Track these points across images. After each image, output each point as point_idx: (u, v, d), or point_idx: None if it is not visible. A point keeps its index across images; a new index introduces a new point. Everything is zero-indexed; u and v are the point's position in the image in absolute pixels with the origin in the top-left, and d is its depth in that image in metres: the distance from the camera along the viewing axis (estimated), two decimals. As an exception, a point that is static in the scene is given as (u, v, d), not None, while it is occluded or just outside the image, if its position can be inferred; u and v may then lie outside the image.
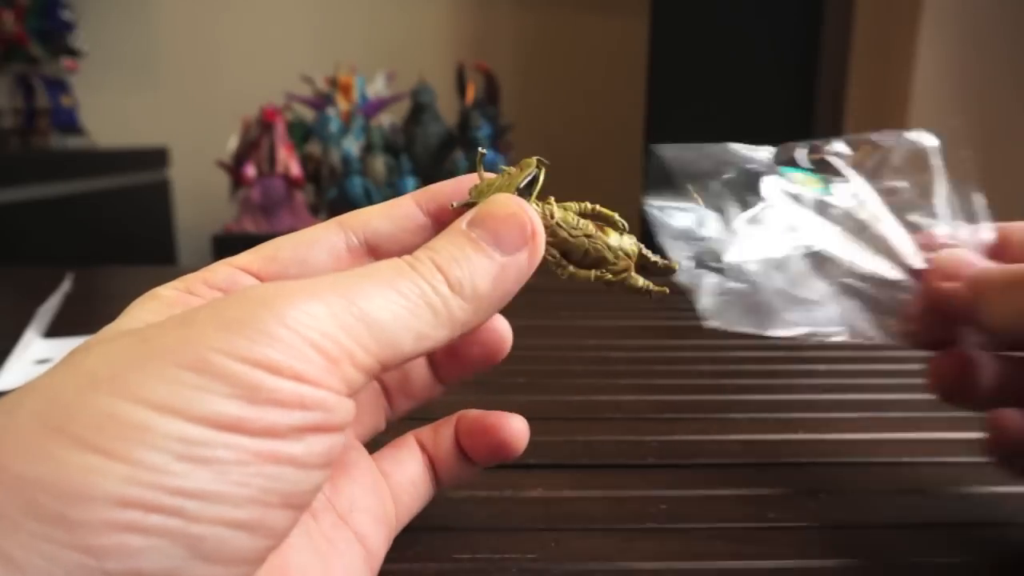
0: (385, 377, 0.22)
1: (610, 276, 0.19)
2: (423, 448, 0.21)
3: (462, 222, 0.17)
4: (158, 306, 0.17)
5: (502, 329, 0.21)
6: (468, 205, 0.18)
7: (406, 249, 0.18)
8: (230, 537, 0.13)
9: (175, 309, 0.16)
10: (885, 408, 0.33)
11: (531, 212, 0.17)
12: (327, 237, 0.19)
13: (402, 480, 0.20)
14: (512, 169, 0.19)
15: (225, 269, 0.18)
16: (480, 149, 0.20)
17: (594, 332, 0.44)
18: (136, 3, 1.84)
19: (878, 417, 0.32)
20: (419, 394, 0.22)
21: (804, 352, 0.40)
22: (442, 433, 0.21)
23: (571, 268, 0.19)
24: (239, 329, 0.14)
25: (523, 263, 0.17)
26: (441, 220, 0.19)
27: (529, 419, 0.27)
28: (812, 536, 0.22)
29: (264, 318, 0.14)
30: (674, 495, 0.24)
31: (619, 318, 0.47)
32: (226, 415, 0.13)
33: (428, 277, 0.16)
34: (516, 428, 0.21)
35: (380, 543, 0.19)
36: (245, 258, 0.18)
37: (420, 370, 0.22)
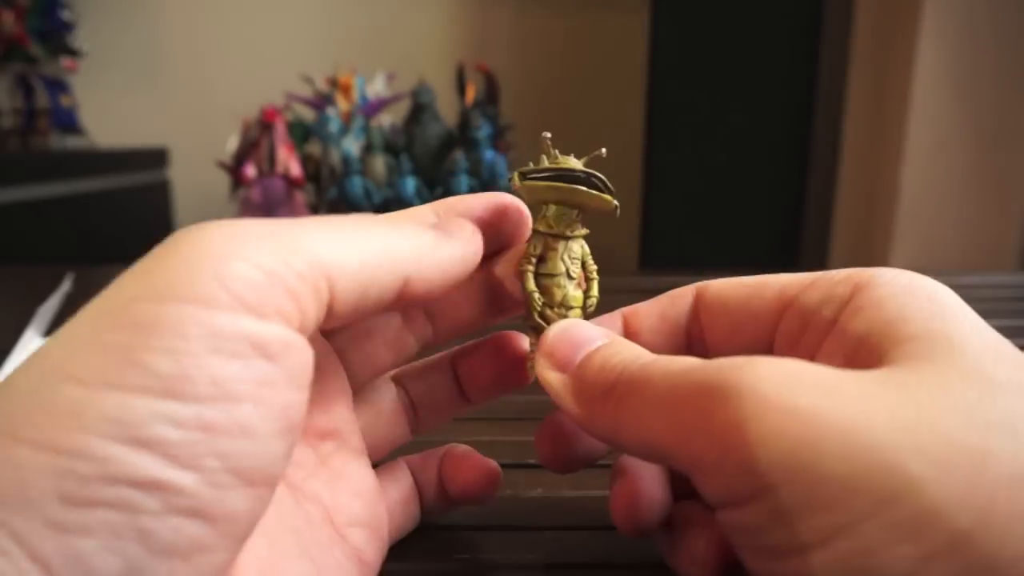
0: (409, 389, 0.22)
1: (537, 317, 0.19)
2: (412, 474, 0.21)
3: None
4: None
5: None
6: (531, 173, 0.18)
7: (460, 310, 0.20)
8: (185, 527, 0.11)
9: None
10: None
11: (469, 223, 0.18)
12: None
13: (396, 498, 0.20)
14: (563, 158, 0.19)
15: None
16: (545, 134, 0.19)
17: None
18: (136, 3, 1.84)
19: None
20: (445, 407, 0.22)
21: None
22: (429, 463, 0.21)
23: (531, 270, 0.19)
24: (159, 270, 0.12)
25: (470, 245, 0.17)
26: (500, 280, 0.20)
27: (529, 419, 0.27)
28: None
29: (187, 249, 0.12)
30: (674, 495, 0.24)
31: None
32: (162, 376, 0.11)
33: (372, 218, 0.16)
34: (488, 472, 0.21)
35: (375, 558, 0.19)
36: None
37: (444, 382, 0.21)
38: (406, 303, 0.16)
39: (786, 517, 0.13)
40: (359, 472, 0.19)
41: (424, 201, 1.20)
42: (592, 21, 1.88)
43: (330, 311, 0.14)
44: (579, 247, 0.19)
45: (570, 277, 0.19)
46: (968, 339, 0.14)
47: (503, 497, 0.24)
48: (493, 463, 0.21)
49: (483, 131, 1.34)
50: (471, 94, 1.42)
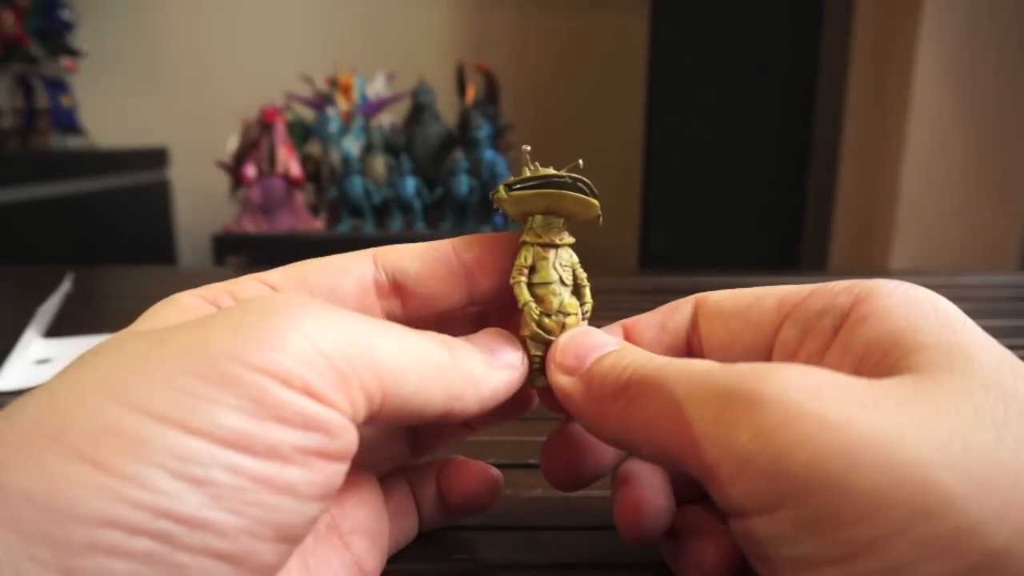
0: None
1: (533, 331, 0.19)
2: (409, 486, 0.21)
3: (460, 339, 0.18)
4: (178, 312, 0.16)
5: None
6: (520, 184, 0.18)
7: (431, 293, 0.19)
8: (214, 569, 0.12)
9: (195, 317, 0.16)
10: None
11: (518, 346, 0.19)
12: (358, 267, 0.19)
13: (393, 509, 0.20)
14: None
15: (253, 284, 0.18)
16: (525, 147, 0.19)
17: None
18: (136, 3, 1.84)
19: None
20: (444, 432, 0.22)
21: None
22: (426, 475, 0.21)
23: (524, 280, 0.19)
24: (252, 334, 0.13)
25: (512, 378, 0.18)
26: (476, 270, 0.19)
27: (529, 419, 0.27)
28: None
29: (280, 323, 0.13)
30: (674, 495, 0.24)
31: (619, 318, 0.47)
32: (228, 428, 0.12)
33: (435, 342, 0.16)
34: (491, 480, 0.21)
35: (375, 567, 0.19)
36: (274, 277, 0.18)
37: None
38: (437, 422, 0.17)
39: (811, 529, 0.12)
40: (365, 483, 0.19)
41: (424, 201, 1.19)
42: (592, 21, 1.88)
43: (375, 415, 0.15)
44: (568, 255, 0.19)
45: (564, 284, 0.19)
46: (981, 351, 0.14)
47: (503, 497, 0.24)
48: (494, 470, 0.21)
49: (483, 131, 1.34)
50: (471, 94, 1.42)
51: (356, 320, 0.15)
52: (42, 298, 0.44)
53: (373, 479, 0.19)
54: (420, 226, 1.34)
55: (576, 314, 0.19)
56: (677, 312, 0.20)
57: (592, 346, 0.18)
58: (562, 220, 0.19)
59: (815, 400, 0.13)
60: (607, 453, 0.20)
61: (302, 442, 0.13)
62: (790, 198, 1.57)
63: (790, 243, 1.59)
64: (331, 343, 0.14)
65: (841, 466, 0.12)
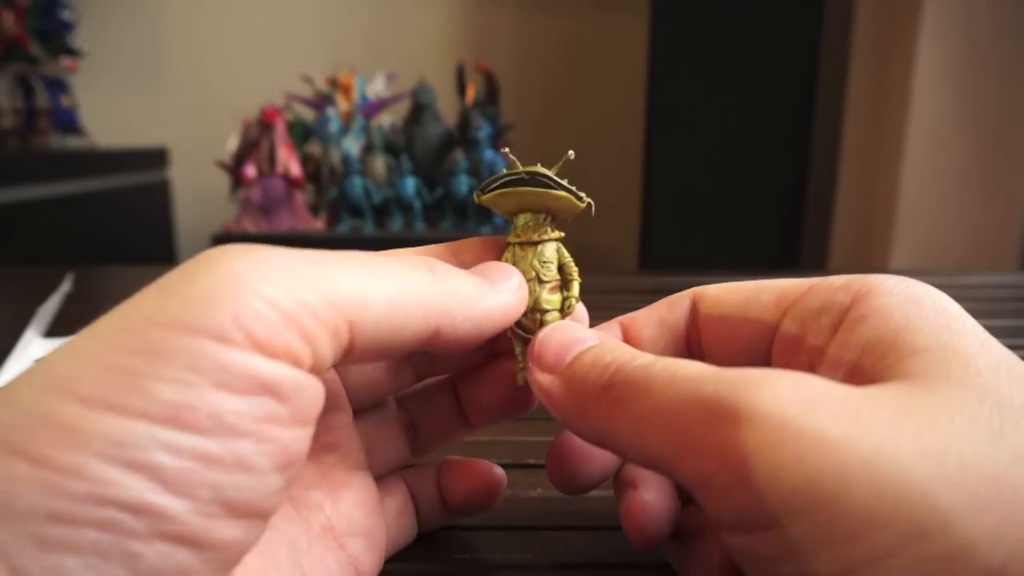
0: (410, 410, 0.21)
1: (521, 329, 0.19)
2: (408, 487, 0.21)
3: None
4: None
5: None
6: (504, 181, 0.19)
7: None
8: (173, 553, 0.11)
9: None
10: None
11: (517, 274, 0.18)
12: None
13: (391, 510, 0.20)
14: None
15: None
16: (504, 149, 0.20)
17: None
18: (136, 3, 1.84)
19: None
20: (446, 430, 0.21)
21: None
22: (425, 475, 0.21)
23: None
24: (178, 293, 0.12)
25: (510, 302, 0.17)
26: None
27: (529, 419, 0.26)
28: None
29: (208, 275, 0.12)
30: (674, 495, 0.24)
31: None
32: (165, 404, 0.11)
33: (414, 262, 0.15)
34: (494, 478, 0.21)
35: (372, 569, 0.18)
36: None
37: (445, 404, 0.21)
38: (436, 350, 0.16)
39: (802, 549, 0.12)
40: (361, 483, 0.19)
41: (424, 201, 1.19)
42: (592, 21, 1.88)
43: (349, 352, 0.14)
44: (552, 251, 0.19)
45: (541, 281, 0.19)
46: (979, 355, 0.14)
47: (503, 497, 0.24)
48: (497, 468, 0.21)
49: (483, 131, 1.34)
50: (471, 94, 1.42)
51: (299, 253, 0.13)
52: (42, 298, 0.44)
53: (370, 479, 0.19)
54: (420, 226, 1.34)
55: (555, 310, 0.19)
56: (675, 307, 0.20)
57: (571, 341, 0.17)
58: (545, 217, 0.19)
59: (809, 415, 0.12)
60: (612, 455, 0.20)
61: (250, 409, 0.12)
62: (790, 198, 1.57)
63: (790, 243, 1.59)
64: (271, 283, 0.12)
65: (836, 485, 0.12)
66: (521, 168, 0.19)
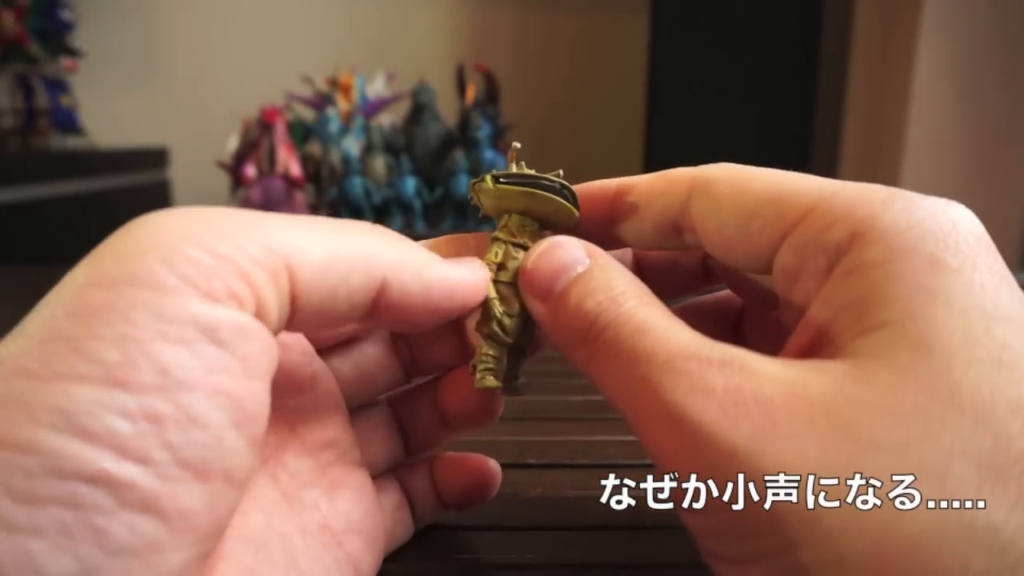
0: (399, 411, 0.21)
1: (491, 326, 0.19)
2: (402, 484, 0.21)
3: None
4: None
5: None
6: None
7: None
8: (140, 524, 0.11)
9: None
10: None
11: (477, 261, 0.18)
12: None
13: (387, 507, 0.20)
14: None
15: None
16: (515, 144, 0.19)
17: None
18: (136, 3, 1.84)
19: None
20: (431, 433, 0.21)
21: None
22: (418, 471, 0.21)
23: (492, 276, 0.18)
24: (110, 255, 0.12)
25: (462, 275, 0.17)
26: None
27: (529, 419, 0.26)
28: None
29: (139, 234, 0.12)
30: (674, 495, 0.24)
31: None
32: (108, 363, 0.11)
33: (358, 225, 0.15)
34: (489, 471, 0.21)
35: (371, 567, 0.18)
36: None
37: (428, 406, 0.21)
38: (386, 315, 0.15)
39: (738, 538, 0.13)
40: (358, 481, 0.19)
41: (424, 201, 1.19)
42: (592, 21, 1.88)
43: (295, 304, 0.13)
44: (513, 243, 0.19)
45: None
46: (945, 330, 0.13)
47: (503, 497, 0.24)
48: (491, 462, 0.21)
49: (483, 131, 1.34)
50: (471, 94, 1.42)
51: (237, 211, 0.13)
52: (42, 298, 0.44)
53: (367, 477, 0.19)
54: (420, 226, 1.34)
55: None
56: (670, 192, 0.19)
57: (560, 268, 0.17)
58: (537, 224, 0.19)
59: (730, 423, 0.13)
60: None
61: (195, 359, 0.11)
62: (790, 198, 1.57)
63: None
64: (205, 230, 0.12)
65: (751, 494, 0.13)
66: (527, 171, 0.19)
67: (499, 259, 0.18)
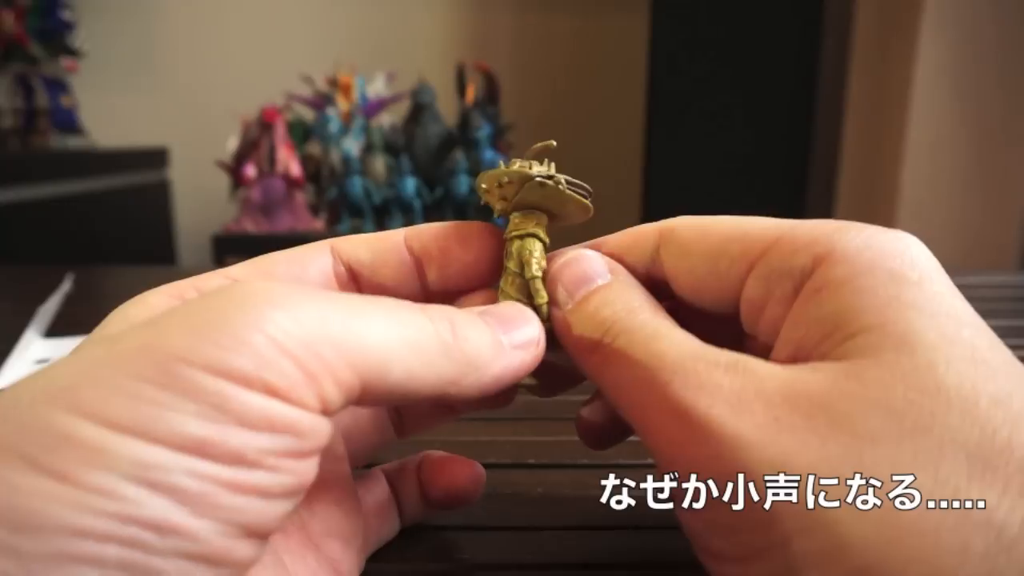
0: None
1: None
2: (389, 482, 0.21)
3: (475, 309, 0.17)
4: (144, 312, 0.16)
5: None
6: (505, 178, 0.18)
7: (384, 283, 0.19)
8: (191, 570, 0.12)
9: None
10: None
11: (538, 322, 0.17)
12: (319, 258, 0.19)
13: (371, 507, 0.20)
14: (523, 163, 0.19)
15: (218, 279, 0.17)
16: (551, 143, 0.19)
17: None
18: (136, 3, 1.84)
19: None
20: (427, 413, 0.21)
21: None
22: (406, 469, 0.21)
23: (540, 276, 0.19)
24: (208, 333, 0.12)
25: (525, 360, 0.17)
26: (424, 260, 0.19)
27: (529, 419, 0.26)
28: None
29: (238, 321, 0.12)
30: (674, 495, 0.24)
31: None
32: (188, 436, 0.12)
33: (437, 320, 0.15)
34: (473, 474, 0.21)
35: (352, 568, 0.18)
36: (239, 270, 0.18)
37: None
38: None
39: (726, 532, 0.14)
40: (336, 482, 0.18)
41: (424, 201, 1.19)
42: (592, 20, 1.88)
43: (355, 403, 0.14)
44: (540, 250, 0.19)
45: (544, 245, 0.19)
46: (923, 329, 0.14)
47: (503, 497, 0.24)
48: (475, 464, 0.21)
49: (483, 131, 1.34)
50: (471, 94, 1.42)
51: (329, 303, 0.14)
52: (42, 298, 0.44)
53: (347, 478, 0.19)
54: (420, 226, 1.35)
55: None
56: (639, 246, 0.19)
57: (583, 277, 0.18)
58: (544, 215, 0.19)
59: (735, 416, 0.14)
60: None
61: (268, 445, 0.12)
62: (791, 198, 1.57)
63: (790, 243, 1.59)
64: (295, 338, 0.13)
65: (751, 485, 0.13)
66: (535, 168, 0.19)
67: (513, 263, 0.19)
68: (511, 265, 0.19)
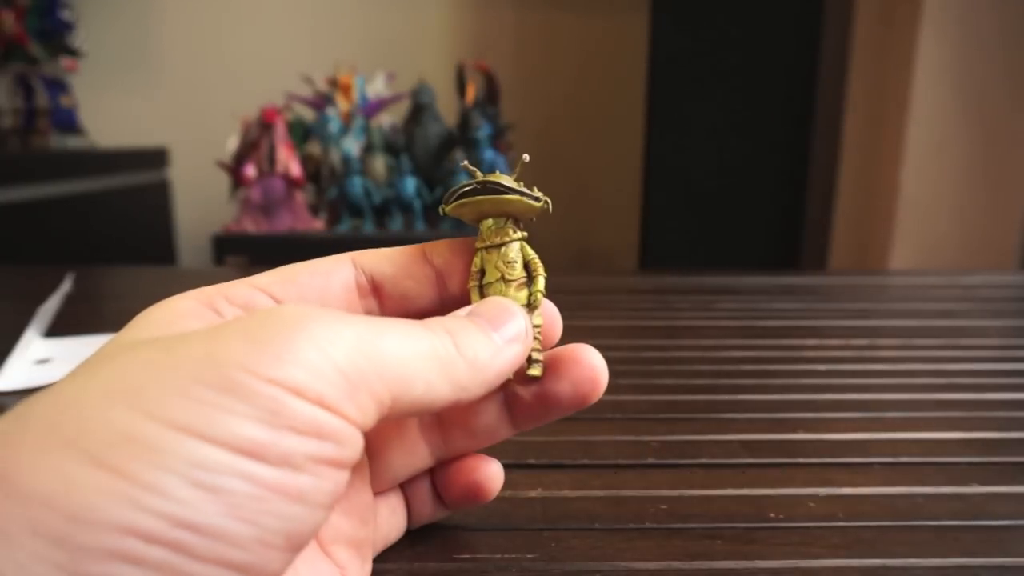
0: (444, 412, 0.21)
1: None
2: (400, 485, 0.21)
3: (462, 312, 0.18)
4: (172, 317, 0.16)
5: (597, 365, 0.20)
6: (463, 194, 0.19)
7: (406, 294, 0.20)
8: None
9: (194, 322, 0.16)
10: (885, 408, 0.33)
11: (522, 313, 0.18)
12: (341, 269, 0.19)
13: (383, 510, 0.20)
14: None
15: (245, 288, 0.18)
16: (464, 162, 0.20)
17: (595, 332, 0.44)
18: (136, 3, 1.84)
19: (878, 417, 0.32)
20: (484, 432, 0.21)
21: (803, 352, 0.40)
22: (418, 474, 0.21)
23: (476, 284, 0.20)
24: (265, 347, 0.13)
25: (518, 352, 0.18)
26: (445, 272, 0.20)
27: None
28: (810, 536, 0.22)
29: (292, 337, 0.14)
30: (674, 495, 0.24)
31: (618, 318, 0.47)
32: (244, 438, 0.12)
33: (439, 335, 0.16)
34: (492, 472, 0.21)
35: (359, 573, 0.18)
36: (264, 279, 0.19)
37: (491, 407, 0.21)
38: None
39: None
40: (354, 492, 0.19)
41: (424, 201, 1.19)
42: (592, 20, 1.88)
43: (383, 418, 0.15)
44: (516, 251, 0.20)
45: (506, 280, 0.20)
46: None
47: (503, 497, 0.24)
48: (493, 461, 0.21)
49: (483, 131, 1.34)
50: (471, 94, 1.42)
51: (365, 326, 0.15)
52: (42, 298, 0.44)
53: (366, 488, 0.19)
54: (420, 226, 1.34)
55: (523, 305, 0.20)
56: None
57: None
58: (506, 220, 0.20)
59: None
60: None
61: (314, 451, 0.13)
62: (791, 198, 1.57)
63: (790, 243, 1.59)
64: (342, 354, 0.14)
65: None
66: (479, 177, 0.19)
67: (478, 267, 0.20)
68: (507, 270, 0.20)
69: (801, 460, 0.27)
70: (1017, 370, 0.38)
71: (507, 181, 0.19)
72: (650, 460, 0.27)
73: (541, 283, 0.20)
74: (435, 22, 1.88)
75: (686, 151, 1.54)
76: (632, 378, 0.36)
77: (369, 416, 0.14)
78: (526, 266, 0.20)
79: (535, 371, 0.20)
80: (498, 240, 0.20)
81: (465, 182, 0.19)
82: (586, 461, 0.27)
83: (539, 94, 1.89)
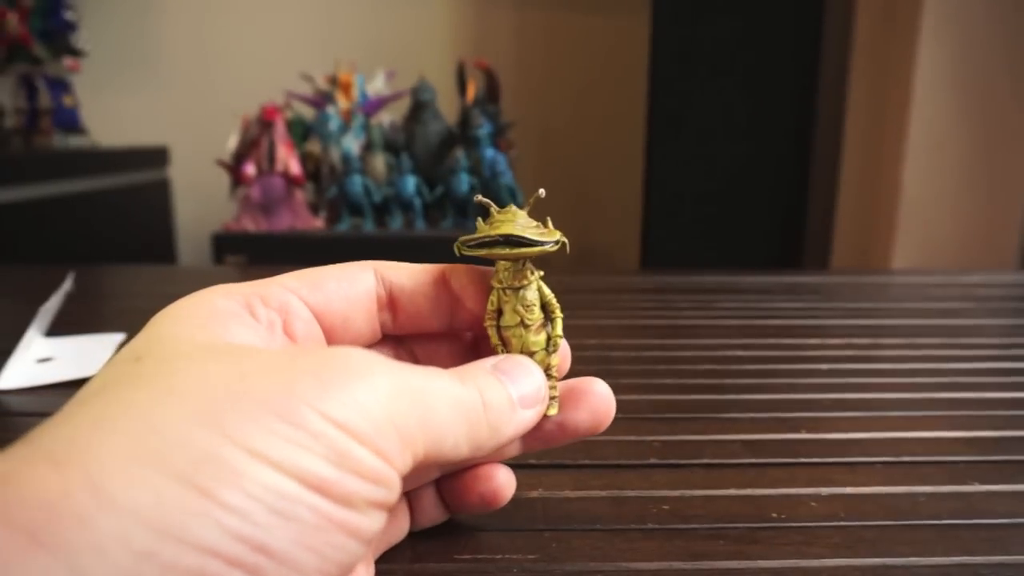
0: None
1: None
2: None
3: (487, 363, 0.19)
4: (210, 315, 0.17)
5: (608, 394, 0.21)
6: (480, 241, 0.19)
7: (419, 312, 0.20)
8: None
9: (236, 325, 0.17)
10: (885, 408, 0.33)
11: (541, 375, 0.19)
12: (365, 279, 0.20)
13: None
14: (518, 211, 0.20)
15: (279, 290, 0.19)
16: (478, 197, 0.20)
17: (594, 331, 0.44)
18: (138, 3, 1.84)
19: (878, 416, 0.32)
20: (495, 453, 0.21)
21: (805, 352, 0.40)
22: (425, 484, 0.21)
23: (493, 324, 0.20)
24: (335, 392, 0.14)
25: (531, 419, 0.19)
26: (462, 296, 0.20)
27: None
28: (812, 536, 0.22)
29: (359, 387, 0.15)
30: (675, 495, 0.24)
31: (620, 317, 0.47)
32: (315, 474, 0.13)
33: (472, 394, 0.17)
34: (507, 479, 0.21)
35: (366, 575, 0.19)
36: (294, 283, 0.19)
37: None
38: None
39: None
40: None
41: (424, 200, 1.19)
42: (593, 19, 1.88)
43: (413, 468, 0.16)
44: (533, 293, 0.20)
45: (525, 326, 0.20)
46: None
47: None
48: (506, 469, 0.21)
49: (484, 129, 1.34)
50: (472, 92, 1.42)
51: (419, 382, 0.16)
52: (44, 297, 0.44)
53: None
54: (420, 225, 1.34)
55: (541, 351, 0.20)
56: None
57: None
58: (524, 262, 0.20)
59: None
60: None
61: (370, 494, 0.14)
62: (792, 198, 1.57)
63: (792, 243, 1.59)
64: (399, 412, 0.15)
65: None
66: (495, 213, 0.19)
67: (495, 306, 0.20)
68: (526, 315, 0.20)
69: (803, 460, 0.27)
70: (1018, 369, 0.38)
71: (526, 227, 0.19)
72: (652, 460, 0.27)
73: (559, 326, 0.20)
74: (435, 20, 1.88)
75: (687, 150, 1.54)
76: (633, 378, 0.36)
77: (408, 467, 0.15)
78: (543, 307, 0.20)
79: (552, 411, 0.20)
80: (516, 284, 0.20)
81: (487, 233, 0.19)
82: (587, 461, 0.27)
83: (540, 92, 1.89)
